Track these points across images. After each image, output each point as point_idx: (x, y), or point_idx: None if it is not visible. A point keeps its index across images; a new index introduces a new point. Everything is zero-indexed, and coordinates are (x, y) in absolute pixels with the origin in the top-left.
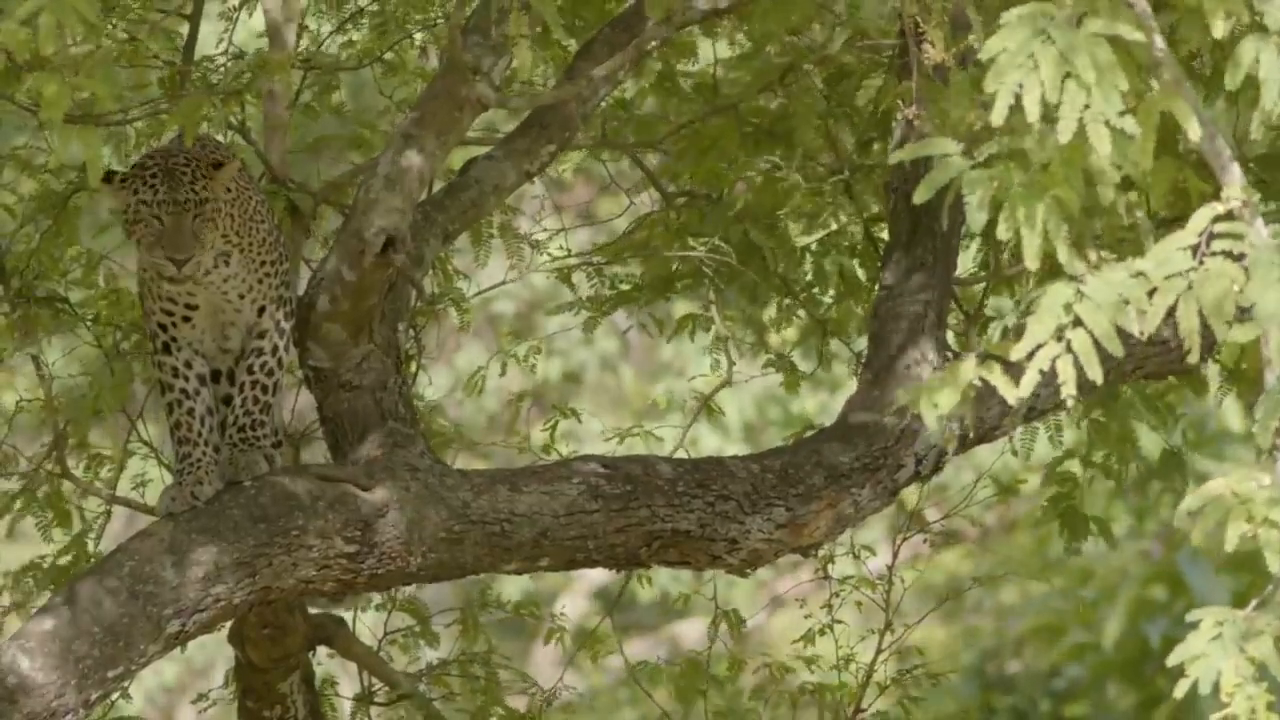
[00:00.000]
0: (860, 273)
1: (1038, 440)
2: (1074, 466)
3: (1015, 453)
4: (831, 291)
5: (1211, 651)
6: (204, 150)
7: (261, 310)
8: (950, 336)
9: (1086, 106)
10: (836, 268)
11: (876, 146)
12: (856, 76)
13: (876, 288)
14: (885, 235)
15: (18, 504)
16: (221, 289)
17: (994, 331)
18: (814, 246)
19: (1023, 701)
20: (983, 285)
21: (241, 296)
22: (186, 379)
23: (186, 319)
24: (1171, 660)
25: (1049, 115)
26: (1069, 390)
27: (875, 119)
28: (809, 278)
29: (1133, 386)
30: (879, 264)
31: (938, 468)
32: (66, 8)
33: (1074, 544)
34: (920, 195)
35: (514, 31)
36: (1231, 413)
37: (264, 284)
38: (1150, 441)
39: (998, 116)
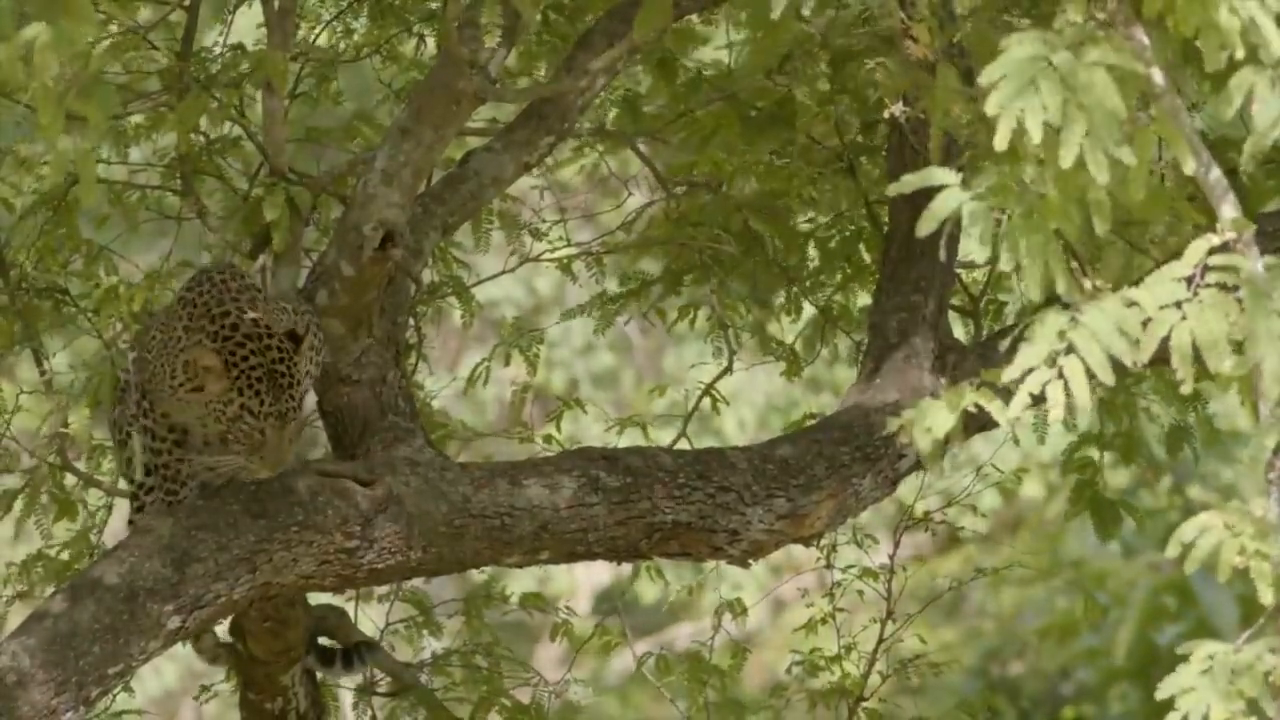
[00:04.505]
0: (866, 257)
1: (1047, 431)
2: (1090, 451)
3: (1017, 441)
4: (837, 277)
5: (1201, 685)
6: (268, 306)
7: None
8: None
9: (1086, 134)
10: (843, 253)
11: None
12: (859, 58)
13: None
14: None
15: (20, 502)
16: None
17: (1006, 314)
18: (820, 231)
19: (1027, 703)
20: (986, 270)
21: None
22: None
23: None
24: (1161, 694)
25: (1047, 142)
26: (1057, 415)
27: (878, 101)
28: (815, 263)
29: (1154, 373)
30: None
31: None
32: (63, 39)
33: (1108, 534)
34: (923, 229)
35: (488, 18)
36: (1237, 413)
37: None
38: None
39: (1000, 142)
